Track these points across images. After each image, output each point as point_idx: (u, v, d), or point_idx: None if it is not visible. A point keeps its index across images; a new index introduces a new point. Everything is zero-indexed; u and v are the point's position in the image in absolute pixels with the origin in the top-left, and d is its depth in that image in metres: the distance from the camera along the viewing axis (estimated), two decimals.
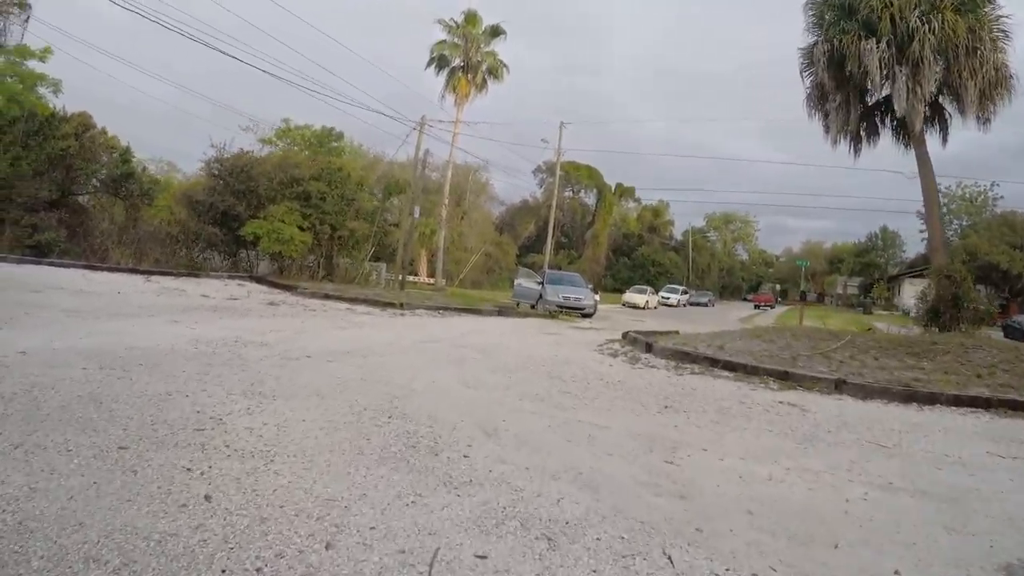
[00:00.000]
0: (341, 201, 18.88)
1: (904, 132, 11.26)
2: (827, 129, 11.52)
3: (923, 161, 10.49)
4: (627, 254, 57.24)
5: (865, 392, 6.24)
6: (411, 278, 38.25)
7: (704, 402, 5.49)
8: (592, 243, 56.22)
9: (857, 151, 11.60)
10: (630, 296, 33.15)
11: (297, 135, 38.72)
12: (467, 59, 29.60)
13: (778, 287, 56.36)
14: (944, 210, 50.19)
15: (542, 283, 19.85)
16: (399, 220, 26.83)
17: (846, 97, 11.16)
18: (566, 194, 62.21)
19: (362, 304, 12.58)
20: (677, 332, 11.65)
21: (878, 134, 11.68)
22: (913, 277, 43.63)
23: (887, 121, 11.63)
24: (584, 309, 18.89)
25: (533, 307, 19.51)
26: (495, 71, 30.14)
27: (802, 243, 68.14)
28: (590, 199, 60.95)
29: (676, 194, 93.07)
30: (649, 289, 35.68)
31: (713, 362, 7.44)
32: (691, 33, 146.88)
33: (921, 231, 53.65)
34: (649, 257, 54.84)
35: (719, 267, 64.56)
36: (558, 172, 29.19)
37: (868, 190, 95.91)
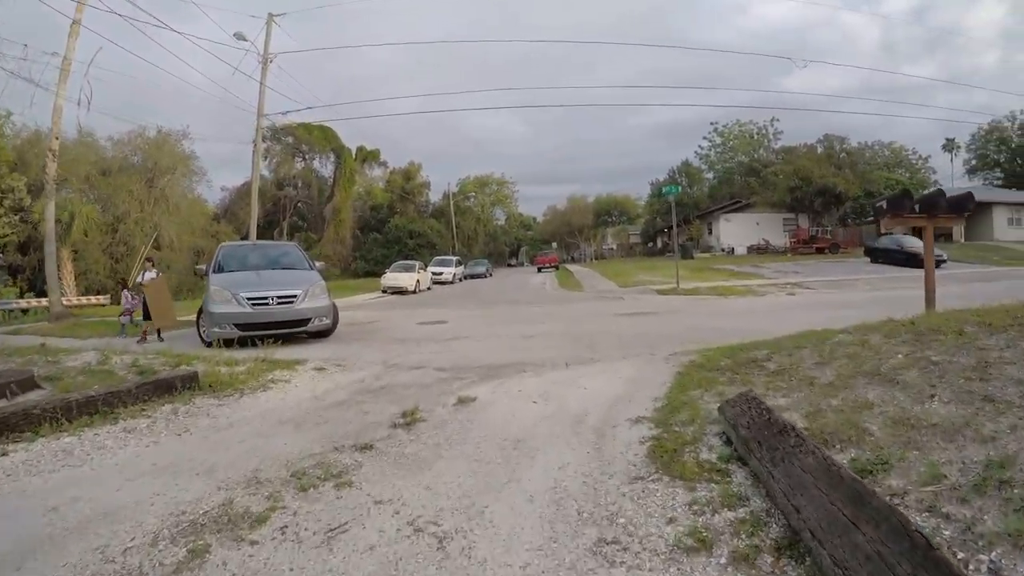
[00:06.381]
0: None
1: None
2: None
3: None
4: (377, 228, 47.94)
5: None
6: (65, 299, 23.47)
7: None
8: (333, 220, 45.64)
9: None
10: (392, 277, 24.74)
11: None
12: None
13: (554, 246, 53.19)
14: (722, 148, 52.23)
15: (207, 273, 9.78)
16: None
17: None
18: (298, 164, 50.09)
19: None
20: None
21: None
22: (730, 212, 41.76)
23: None
24: (309, 322, 9.06)
25: (204, 336, 9.39)
26: None
27: (567, 197, 65.04)
28: (327, 169, 49.89)
29: (429, 159, 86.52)
30: (418, 264, 27.55)
31: None
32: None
33: (704, 171, 53.82)
34: (405, 228, 46.31)
35: (485, 232, 59.53)
36: (264, 81, 18.23)
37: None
